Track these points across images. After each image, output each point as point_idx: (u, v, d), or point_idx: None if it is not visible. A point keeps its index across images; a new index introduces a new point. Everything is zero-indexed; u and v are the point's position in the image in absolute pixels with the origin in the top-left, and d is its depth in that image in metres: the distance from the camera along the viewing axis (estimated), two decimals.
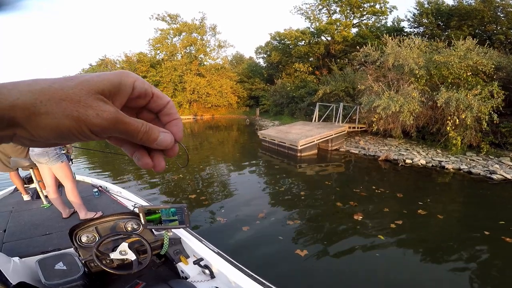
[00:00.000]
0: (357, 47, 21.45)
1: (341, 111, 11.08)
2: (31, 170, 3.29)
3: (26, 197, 3.51)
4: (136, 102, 0.29)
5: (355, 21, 24.19)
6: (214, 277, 1.91)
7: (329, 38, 23.68)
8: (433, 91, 9.11)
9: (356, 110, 11.47)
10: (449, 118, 8.30)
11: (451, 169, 7.56)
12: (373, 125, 9.44)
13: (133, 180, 6.87)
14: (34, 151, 2.78)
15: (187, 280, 1.90)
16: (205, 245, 2.19)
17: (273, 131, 10.95)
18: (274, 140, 10.11)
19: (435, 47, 10.19)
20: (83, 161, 9.59)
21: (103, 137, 0.27)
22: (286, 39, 25.09)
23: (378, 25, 24.04)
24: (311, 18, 24.82)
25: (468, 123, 7.93)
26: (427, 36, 18.12)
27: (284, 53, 25.69)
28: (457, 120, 8.10)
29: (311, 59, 24.63)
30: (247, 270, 1.87)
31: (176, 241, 2.24)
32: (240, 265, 1.93)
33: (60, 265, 1.83)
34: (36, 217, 2.96)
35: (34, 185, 3.43)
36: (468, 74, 8.82)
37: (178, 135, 0.32)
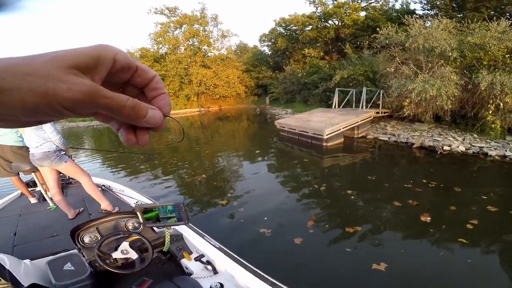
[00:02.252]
0: (368, 30, 21.20)
1: (365, 96, 10.39)
2: (33, 174, 3.27)
3: (33, 200, 3.52)
4: (119, 77, 0.27)
5: (363, 4, 23.08)
6: (217, 272, 1.91)
7: (337, 22, 22.68)
8: (465, 74, 8.45)
9: (380, 94, 10.76)
10: (491, 101, 7.62)
11: (496, 156, 6.93)
12: (404, 110, 8.75)
13: (146, 178, 6.36)
14: (35, 156, 2.75)
15: (191, 276, 1.92)
16: (207, 240, 2.21)
17: (292, 120, 10.34)
18: (295, 130, 9.50)
19: (465, 28, 9.41)
20: (97, 160, 9.19)
21: (84, 114, 0.24)
22: (292, 25, 24.10)
23: (386, 8, 22.98)
24: (317, 2, 23.77)
25: None
26: (438, 18, 17.28)
27: (291, 39, 24.76)
28: (501, 104, 7.42)
29: (318, 44, 23.67)
30: (249, 265, 1.88)
31: (178, 238, 2.27)
32: (242, 260, 1.94)
33: (68, 266, 1.85)
34: (44, 219, 3.02)
35: (39, 188, 3.44)
36: (507, 56, 8.10)
37: (165, 109, 0.30)
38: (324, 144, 8.33)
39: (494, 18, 12.42)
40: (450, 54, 8.32)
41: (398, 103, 9.77)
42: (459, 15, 16.95)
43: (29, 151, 2.82)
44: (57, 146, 2.82)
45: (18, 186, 3.59)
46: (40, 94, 0.22)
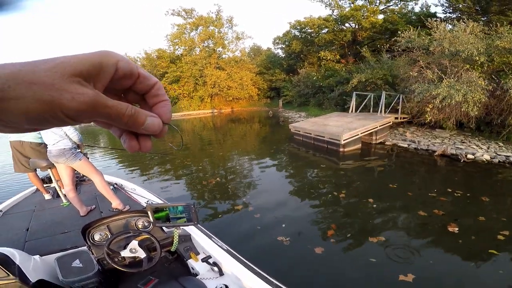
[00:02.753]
0: (386, 33, 20.75)
1: (384, 100, 10.07)
2: (49, 170, 3.31)
3: (47, 196, 3.58)
4: (121, 83, 0.27)
5: (381, 7, 22.62)
6: (223, 274, 1.92)
7: (354, 25, 22.32)
8: (493, 79, 8.03)
9: (399, 99, 10.42)
10: None
11: None
12: (426, 116, 8.41)
13: (160, 179, 6.30)
14: (52, 153, 2.80)
15: (197, 276, 1.92)
16: (214, 242, 2.20)
17: (307, 124, 10.14)
18: (310, 134, 9.30)
19: (493, 32, 8.99)
20: (111, 159, 9.32)
21: (84, 121, 0.25)
22: (307, 27, 23.90)
23: (405, 11, 22.45)
24: (333, 5, 23.49)
25: None
26: (463, 21, 16.71)
27: (306, 42, 24.53)
28: None
29: (334, 47, 23.33)
30: (255, 268, 1.86)
31: (186, 238, 2.27)
32: (248, 263, 1.92)
33: (76, 263, 1.85)
34: (56, 216, 3.05)
35: (54, 184, 3.49)
36: None
37: (165, 117, 0.30)
38: (341, 149, 8.09)
39: None
40: (477, 58, 7.94)
41: (418, 109, 9.43)
42: (483, 19, 16.40)
43: (47, 147, 2.88)
44: (73, 143, 2.89)
45: (34, 182, 3.64)
46: (44, 103, 0.22)
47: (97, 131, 19.37)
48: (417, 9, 22.23)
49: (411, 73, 8.80)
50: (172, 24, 30.58)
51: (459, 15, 18.34)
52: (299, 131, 9.95)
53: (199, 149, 10.43)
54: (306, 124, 10.26)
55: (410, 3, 22.30)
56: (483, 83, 7.56)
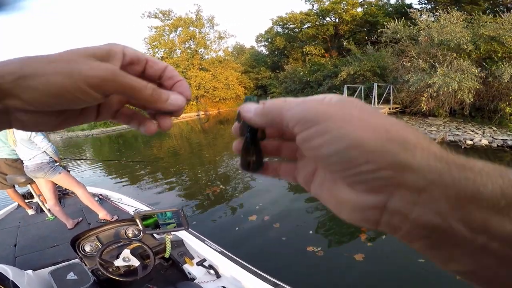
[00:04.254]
0: (365, 26, 21.09)
1: (376, 92, 10.15)
2: (29, 185, 3.29)
3: (30, 212, 3.53)
4: (132, 70, 0.27)
5: (359, 0, 22.94)
6: (220, 276, 1.92)
7: (335, 19, 22.53)
8: (483, 67, 8.27)
9: (390, 89, 10.54)
10: None
11: None
12: (422, 104, 8.52)
13: (160, 189, 6.01)
14: (29, 168, 2.76)
15: (195, 281, 1.92)
16: (208, 245, 2.20)
17: None
18: None
19: (476, 21, 9.25)
20: (98, 170, 9.05)
21: (106, 94, 0.24)
22: (290, 23, 23.92)
23: (381, 3, 22.89)
24: None
25: None
26: (438, 12, 17.29)
27: (289, 38, 24.55)
28: None
29: (316, 41, 23.46)
30: (251, 267, 1.85)
31: (179, 243, 2.26)
32: (243, 262, 1.91)
33: (71, 275, 1.85)
34: (43, 230, 3.03)
35: (36, 199, 3.46)
36: None
37: (186, 93, 0.29)
38: None
39: (489, 11, 12.39)
40: (465, 46, 8.12)
41: (410, 98, 9.57)
42: (455, 8, 16.97)
43: (23, 163, 2.82)
44: (50, 157, 2.82)
45: (14, 198, 3.60)
46: (65, 75, 0.22)
47: (80, 142, 18.57)
48: (392, 1, 22.73)
49: (404, 63, 8.89)
50: (150, 26, 29.79)
51: (433, 5, 18.97)
52: None
53: (195, 156, 10.12)
54: None
55: None
56: (476, 70, 7.72)
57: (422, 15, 9.74)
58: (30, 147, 2.74)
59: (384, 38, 10.89)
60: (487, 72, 8.05)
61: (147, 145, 14.02)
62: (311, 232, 3.64)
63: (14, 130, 2.63)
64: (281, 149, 0.27)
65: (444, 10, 9.57)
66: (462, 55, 8.61)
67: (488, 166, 0.17)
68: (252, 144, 0.26)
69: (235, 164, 7.97)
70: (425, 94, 8.30)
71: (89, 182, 6.99)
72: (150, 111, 0.30)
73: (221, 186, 5.95)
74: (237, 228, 4.06)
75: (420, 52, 9.03)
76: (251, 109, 0.24)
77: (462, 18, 9.25)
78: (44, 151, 2.78)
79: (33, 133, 2.72)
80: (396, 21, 10.74)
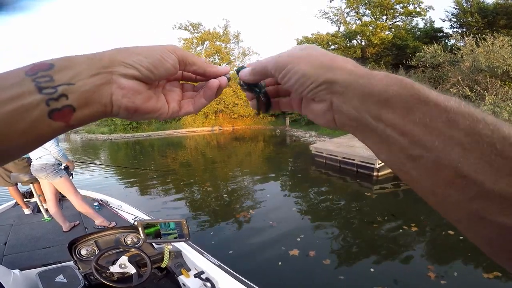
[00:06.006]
0: (392, 49, 20.49)
1: None
2: (31, 184, 3.32)
3: (27, 211, 3.56)
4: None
5: (388, 23, 22.54)
6: None
7: (362, 41, 22.14)
8: None
9: None
10: None
11: None
12: None
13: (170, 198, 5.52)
14: (34, 167, 2.83)
15: None
16: (206, 257, 2.17)
17: (332, 145, 9.36)
18: (336, 156, 8.49)
19: None
20: (109, 176, 8.98)
21: (179, 58, 0.31)
22: (316, 44, 23.67)
23: (409, 26, 22.36)
24: (341, 21, 23.43)
25: None
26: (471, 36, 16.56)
27: None
28: None
29: None
30: (249, 282, 1.83)
31: (177, 254, 2.23)
32: (241, 277, 1.89)
33: (60, 278, 1.81)
34: (37, 231, 3.02)
35: (35, 199, 3.47)
36: None
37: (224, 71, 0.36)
38: (375, 173, 7.26)
39: None
40: None
41: None
42: (490, 33, 16.20)
43: (31, 161, 2.91)
44: (56, 159, 2.86)
45: (14, 196, 3.62)
46: (153, 49, 0.29)
47: (98, 145, 18.64)
48: (421, 24, 22.19)
49: (451, 90, 8.13)
50: (179, 38, 30.61)
51: (466, 29, 18.25)
52: (322, 153, 9.13)
53: (203, 168, 9.66)
54: (330, 145, 9.46)
55: (415, 19, 22.30)
56: None
57: (463, 40, 9.05)
58: (40, 148, 2.74)
59: (421, 62, 10.24)
60: None
61: (163, 155, 13.94)
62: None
63: None
64: (278, 91, 0.36)
65: (478, 34, 8.94)
66: (507, 82, 7.82)
67: (381, 73, 0.24)
68: (260, 94, 0.34)
69: (244, 181, 7.81)
70: None
71: (96, 186, 7.11)
72: (200, 83, 0.36)
73: (229, 201, 5.72)
74: (240, 244, 3.88)
75: (463, 78, 8.28)
76: (246, 73, 0.34)
77: (509, 44, 8.51)
78: (51, 154, 2.85)
79: None
80: (432, 45, 10.17)
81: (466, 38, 8.96)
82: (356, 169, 7.82)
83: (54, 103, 0.22)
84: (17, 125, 0.21)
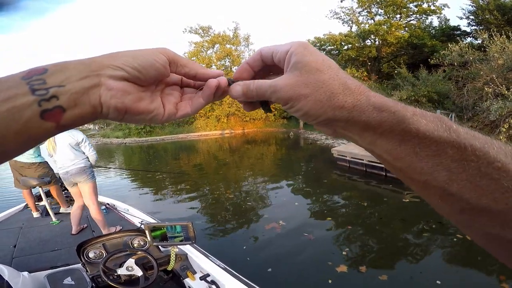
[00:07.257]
0: (407, 48, 20.02)
1: None
2: (39, 188, 3.41)
3: (36, 214, 3.61)
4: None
5: (403, 22, 22.07)
6: None
7: (377, 40, 21.72)
8: None
9: (452, 118, 9.37)
10: None
11: None
12: (501, 137, 7.32)
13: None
14: (72, 171, 2.84)
15: None
16: (212, 260, 2.18)
17: (356, 148, 9.05)
18: (362, 160, 8.20)
19: None
20: (124, 178, 9.22)
21: (170, 60, 0.31)
22: (328, 44, 23.39)
23: (423, 25, 21.86)
24: (353, 21, 23.09)
25: None
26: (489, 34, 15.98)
27: None
28: None
29: (357, 64, 22.64)
30: (254, 285, 1.83)
31: (183, 257, 2.25)
32: (247, 281, 1.89)
33: (68, 280, 1.83)
34: (45, 234, 3.05)
35: (43, 202, 3.50)
36: None
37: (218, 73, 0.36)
38: None
39: None
40: None
41: (482, 127, 8.37)
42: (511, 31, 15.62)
43: (46, 167, 3.17)
44: (90, 163, 2.94)
45: (26, 199, 3.71)
46: (146, 52, 0.30)
47: (114, 149, 18.78)
48: (435, 23, 21.68)
49: (486, 88, 7.74)
50: (190, 41, 30.79)
51: (485, 27, 17.70)
52: (345, 156, 8.84)
53: (214, 171, 9.48)
54: (354, 148, 9.18)
55: (430, 17, 21.81)
56: None
57: (492, 38, 8.67)
58: (76, 152, 2.88)
59: (445, 61, 9.88)
60: None
61: (176, 158, 14.00)
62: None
63: (56, 137, 2.76)
64: None
65: (499, 31, 8.58)
66: None
67: (376, 107, 0.26)
68: (259, 102, 0.35)
69: (254, 184, 7.89)
70: (505, 125, 7.11)
71: (108, 188, 7.35)
72: (198, 84, 0.36)
73: (239, 204, 5.76)
74: (244, 247, 3.92)
75: (497, 76, 7.91)
76: (239, 93, 0.34)
77: None
78: (87, 157, 2.94)
79: (84, 139, 2.91)
80: (457, 43, 9.82)
81: (495, 36, 8.58)
82: (384, 174, 7.52)
83: (46, 104, 0.23)
84: (11, 126, 0.22)
